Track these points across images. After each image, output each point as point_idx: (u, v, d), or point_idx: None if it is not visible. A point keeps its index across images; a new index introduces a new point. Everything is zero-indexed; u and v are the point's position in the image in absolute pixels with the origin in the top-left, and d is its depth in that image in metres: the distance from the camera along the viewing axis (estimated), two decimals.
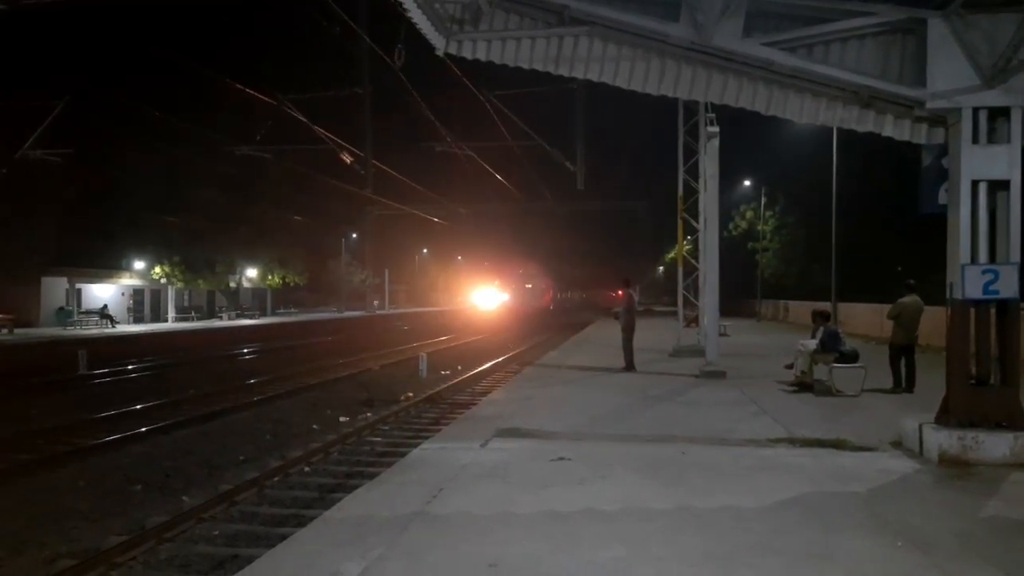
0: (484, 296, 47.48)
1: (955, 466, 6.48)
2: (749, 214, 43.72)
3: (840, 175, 23.90)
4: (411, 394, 14.67)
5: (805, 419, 8.93)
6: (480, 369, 18.99)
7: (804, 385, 11.30)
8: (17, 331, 29.19)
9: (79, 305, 35.78)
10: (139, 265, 38.95)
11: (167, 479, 8.83)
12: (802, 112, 7.62)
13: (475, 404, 11.89)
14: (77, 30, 28.30)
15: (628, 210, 58.12)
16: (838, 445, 7.40)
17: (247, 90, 20.00)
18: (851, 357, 11.02)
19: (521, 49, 8.01)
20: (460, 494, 5.77)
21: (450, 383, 16.16)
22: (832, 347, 11.03)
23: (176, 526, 6.81)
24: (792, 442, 7.63)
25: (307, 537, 4.95)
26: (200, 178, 36.11)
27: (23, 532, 6.88)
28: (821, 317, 11.95)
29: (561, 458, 6.91)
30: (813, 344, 11.36)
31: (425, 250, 78.03)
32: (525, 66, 8.16)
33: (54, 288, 34.87)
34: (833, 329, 11.48)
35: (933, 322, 11.73)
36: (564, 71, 8.04)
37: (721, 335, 17.25)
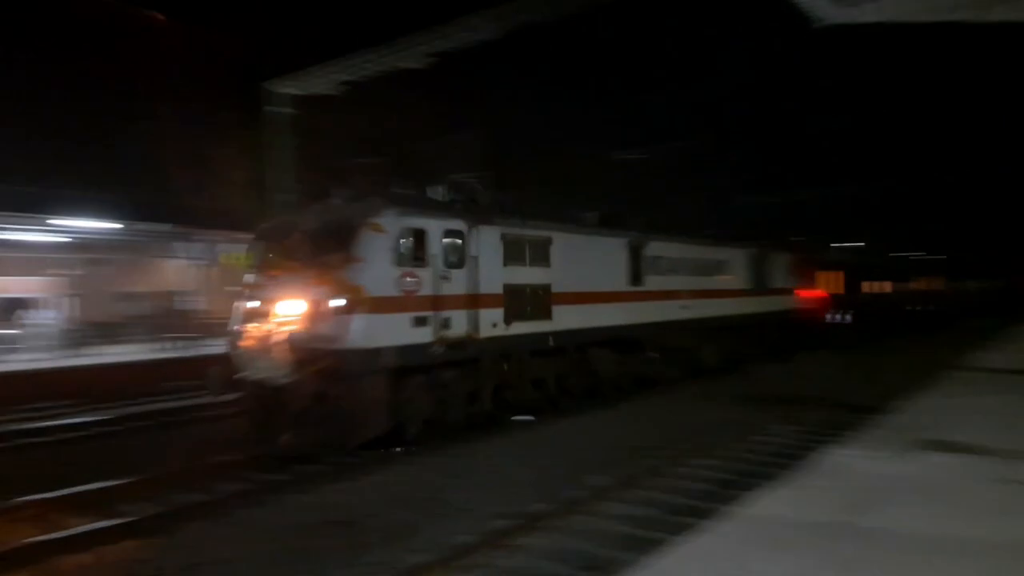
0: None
1: None
2: None
3: None
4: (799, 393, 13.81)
5: None
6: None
7: None
8: None
9: None
10: None
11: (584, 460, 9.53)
12: None
13: (879, 409, 10.61)
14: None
15: None
16: None
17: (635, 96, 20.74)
18: None
19: None
20: (890, 509, 5.17)
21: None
22: None
23: (588, 502, 7.48)
24: None
25: (725, 531, 4.92)
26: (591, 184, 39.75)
27: (473, 497, 8.02)
28: None
29: (1017, 481, 5.73)
30: None
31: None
32: (929, 18, 6.99)
33: None
34: None
35: None
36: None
37: None
